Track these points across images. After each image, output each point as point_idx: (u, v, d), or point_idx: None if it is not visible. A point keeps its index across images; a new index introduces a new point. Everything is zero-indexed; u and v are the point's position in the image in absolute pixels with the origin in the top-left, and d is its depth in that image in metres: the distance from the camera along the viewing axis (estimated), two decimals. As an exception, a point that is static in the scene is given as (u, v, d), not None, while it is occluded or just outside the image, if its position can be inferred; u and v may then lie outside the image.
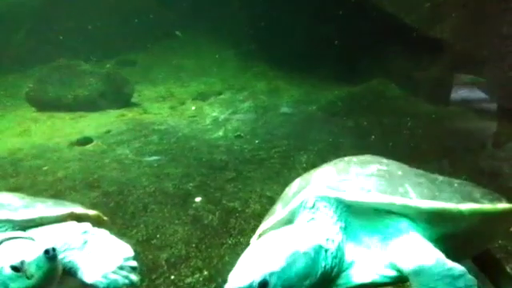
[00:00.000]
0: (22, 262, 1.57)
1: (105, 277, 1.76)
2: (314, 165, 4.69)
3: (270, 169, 4.66)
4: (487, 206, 1.66)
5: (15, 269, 1.57)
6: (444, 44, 5.68)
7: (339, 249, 1.59)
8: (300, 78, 8.17)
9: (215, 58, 9.92)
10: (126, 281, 1.79)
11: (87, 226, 1.91)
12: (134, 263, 1.84)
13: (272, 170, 4.63)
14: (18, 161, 5.05)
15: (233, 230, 3.42)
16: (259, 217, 3.56)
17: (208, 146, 5.41)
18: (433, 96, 5.72)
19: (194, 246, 3.23)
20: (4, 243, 1.70)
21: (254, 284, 1.37)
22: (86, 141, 5.66)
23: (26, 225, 1.84)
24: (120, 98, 7.48)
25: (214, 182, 4.32)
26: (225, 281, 2.76)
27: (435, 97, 5.67)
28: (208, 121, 6.61)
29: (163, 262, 3.03)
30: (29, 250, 1.63)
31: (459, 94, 5.48)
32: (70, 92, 7.27)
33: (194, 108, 7.40)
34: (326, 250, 1.56)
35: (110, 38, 9.47)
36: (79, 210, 2.06)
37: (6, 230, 1.78)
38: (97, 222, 2.07)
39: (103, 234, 1.92)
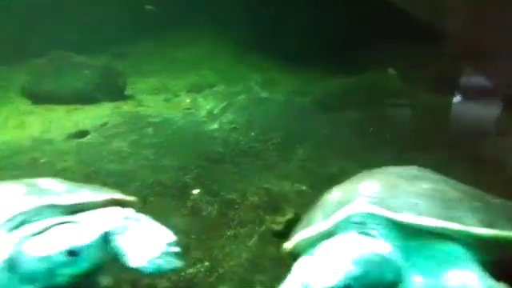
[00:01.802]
0: (77, 247, 1.57)
1: (150, 262, 1.76)
2: (310, 157, 4.77)
3: (266, 161, 4.71)
4: None
5: (71, 253, 1.56)
6: (447, 34, 5.65)
7: (396, 263, 1.60)
8: (296, 69, 8.16)
9: (209, 50, 9.88)
10: (171, 266, 1.81)
11: (130, 211, 1.93)
12: (177, 249, 1.85)
13: (268, 161, 4.68)
14: (14, 153, 5.03)
15: (232, 222, 3.47)
16: (258, 208, 3.62)
17: (204, 139, 5.43)
18: (434, 87, 5.70)
19: (193, 237, 3.27)
20: (53, 228, 1.68)
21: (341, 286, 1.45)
22: (82, 133, 5.65)
23: (70, 210, 1.82)
24: (115, 91, 7.44)
25: (211, 174, 4.35)
26: (227, 271, 2.80)
27: (437, 87, 5.64)
28: (203, 113, 6.61)
29: (164, 254, 3.06)
30: (83, 234, 1.63)
31: (462, 84, 5.45)
32: (65, 84, 7.20)
33: (188, 100, 7.39)
34: (389, 262, 1.58)
35: (103, 30, 9.38)
36: (118, 195, 2.09)
37: (51, 215, 1.74)
38: (134, 208, 2.07)
39: (145, 219, 1.93)
